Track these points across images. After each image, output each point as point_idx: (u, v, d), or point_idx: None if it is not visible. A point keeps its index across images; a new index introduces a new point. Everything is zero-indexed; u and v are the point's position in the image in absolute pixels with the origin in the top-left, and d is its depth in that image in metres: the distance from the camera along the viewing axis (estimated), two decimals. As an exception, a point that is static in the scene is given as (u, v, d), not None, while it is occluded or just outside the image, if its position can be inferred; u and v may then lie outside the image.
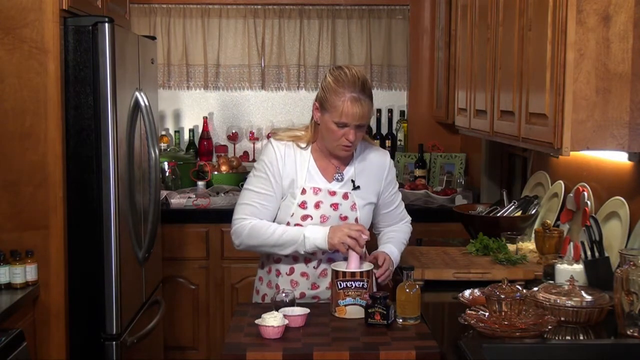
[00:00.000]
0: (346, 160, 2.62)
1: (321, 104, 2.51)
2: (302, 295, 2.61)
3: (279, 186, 2.56)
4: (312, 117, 2.59)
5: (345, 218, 2.58)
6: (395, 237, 2.74)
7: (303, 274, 2.61)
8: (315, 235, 2.48)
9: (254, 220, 2.54)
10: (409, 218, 2.84)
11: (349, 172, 2.62)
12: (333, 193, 2.59)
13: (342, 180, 2.61)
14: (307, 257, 2.58)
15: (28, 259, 2.84)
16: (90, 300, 3.03)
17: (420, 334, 2.25)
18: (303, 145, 2.60)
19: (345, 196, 2.59)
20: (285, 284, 2.60)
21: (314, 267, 2.60)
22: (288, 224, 2.56)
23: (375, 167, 2.66)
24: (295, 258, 2.59)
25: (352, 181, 2.61)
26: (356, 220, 2.59)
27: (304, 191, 2.57)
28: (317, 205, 2.56)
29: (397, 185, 2.77)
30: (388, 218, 2.76)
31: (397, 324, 2.32)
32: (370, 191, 2.65)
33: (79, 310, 3.02)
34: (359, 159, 2.64)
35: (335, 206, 2.58)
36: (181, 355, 4.35)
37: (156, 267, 3.81)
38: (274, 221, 2.58)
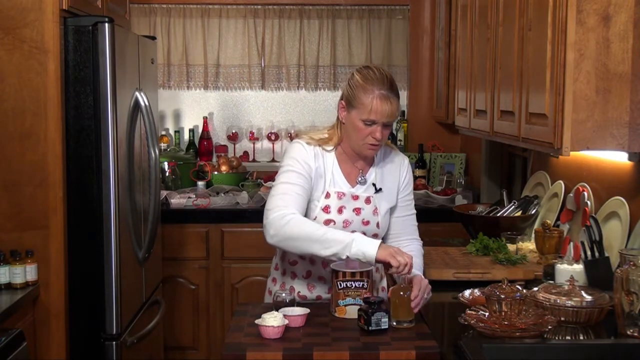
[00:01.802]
0: (369, 163, 2.58)
1: (348, 102, 2.46)
2: (319, 297, 2.60)
3: (310, 181, 2.49)
4: (338, 118, 2.53)
5: (367, 223, 2.54)
6: (416, 263, 2.49)
7: (320, 278, 2.58)
8: (365, 241, 2.32)
9: (295, 211, 2.38)
10: (420, 241, 2.69)
11: (371, 175, 2.58)
12: (356, 197, 2.54)
13: (365, 183, 2.56)
14: (325, 261, 2.49)
15: (28, 259, 2.84)
16: (90, 300, 3.03)
17: (420, 334, 2.25)
18: (329, 148, 2.54)
19: (368, 200, 2.55)
20: (301, 286, 2.59)
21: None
22: None
23: (395, 168, 2.63)
24: (312, 261, 2.56)
25: (374, 184, 2.57)
26: (377, 224, 2.56)
27: (328, 195, 2.52)
28: (340, 210, 2.52)
29: (413, 197, 2.68)
30: (399, 226, 2.65)
31: (393, 326, 2.31)
32: (392, 193, 2.61)
33: (79, 310, 3.02)
34: (380, 162, 2.60)
35: (357, 211, 2.54)
36: (181, 355, 4.35)
37: (156, 267, 3.81)
38: None
